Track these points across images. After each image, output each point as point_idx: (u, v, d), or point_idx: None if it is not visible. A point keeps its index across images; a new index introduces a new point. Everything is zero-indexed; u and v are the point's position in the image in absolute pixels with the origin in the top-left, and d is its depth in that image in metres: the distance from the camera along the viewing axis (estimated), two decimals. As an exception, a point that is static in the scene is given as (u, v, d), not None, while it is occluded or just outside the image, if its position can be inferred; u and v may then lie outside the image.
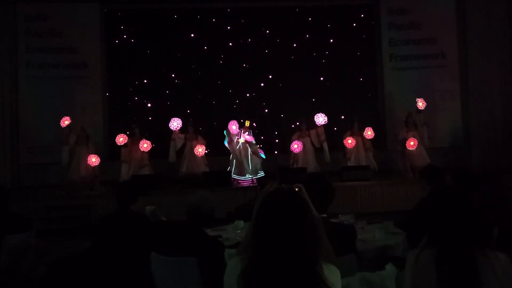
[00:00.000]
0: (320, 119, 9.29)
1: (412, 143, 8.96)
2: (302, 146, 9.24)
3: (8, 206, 4.13)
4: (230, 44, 11.15)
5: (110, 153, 10.27)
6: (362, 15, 11.33)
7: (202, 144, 9.26)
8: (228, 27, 11.20)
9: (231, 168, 9.26)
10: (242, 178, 9.15)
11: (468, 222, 1.97)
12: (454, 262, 1.86)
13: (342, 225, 3.20)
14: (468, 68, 10.55)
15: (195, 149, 9.17)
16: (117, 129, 10.08)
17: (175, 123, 9.21)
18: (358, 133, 9.42)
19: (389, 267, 2.38)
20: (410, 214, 3.76)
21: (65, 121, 8.97)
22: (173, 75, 11.10)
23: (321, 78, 11.16)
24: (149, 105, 11.01)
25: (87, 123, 9.56)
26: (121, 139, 9.21)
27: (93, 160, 8.78)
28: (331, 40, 11.20)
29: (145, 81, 11.00)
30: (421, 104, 9.41)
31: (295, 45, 11.18)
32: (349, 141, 9.28)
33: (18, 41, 10.31)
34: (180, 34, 11.10)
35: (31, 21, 10.37)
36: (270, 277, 1.42)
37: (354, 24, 11.30)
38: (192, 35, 11.14)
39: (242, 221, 4.42)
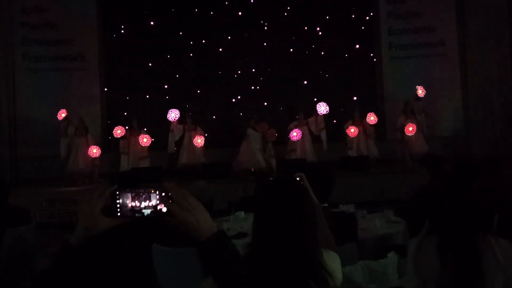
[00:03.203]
0: (322, 108, 9.24)
1: (410, 128, 8.95)
2: (301, 134, 9.21)
3: (8, 200, 4.13)
4: (229, 37, 11.07)
5: (107, 145, 10.25)
6: (361, 5, 11.25)
7: (201, 134, 9.25)
8: (226, 20, 11.11)
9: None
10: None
11: (469, 209, 1.97)
12: (456, 248, 1.87)
13: (343, 214, 3.20)
14: (467, 56, 10.51)
15: (194, 140, 9.16)
16: (115, 121, 10.05)
17: (173, 114, 9.19)
18: (359, 122, 9.39)
19: (391, 255, 2.39)
20: (410, 202, 3.77)
21: (62, 114, 8.95)
22: (171, 68, 11.03)
23: (320, 70, 11.10)
24: (147, 97, 10.97)
25: (84, 116, 9.53)
26: (118, 131, 9.20)
27: (94, 151, 8.77)
28: (330, 31, 11.12)
29: (143, 73, 10.93)
30: (420, 91, 9.37)
31: (293, 37, 11.10)
32: (352, 130, 9.24)
33: (14, 33, 10.23)
34: (178, 26, 11.01)
35: (27, 13, 10.27)
36: (270, 264, 1.43)
37: (353, 14, 11.22)
38: (190, 27, 11.05)
39: (243, 212, 4.44)
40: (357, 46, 11.13)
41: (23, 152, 10.09)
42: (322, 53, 11.14)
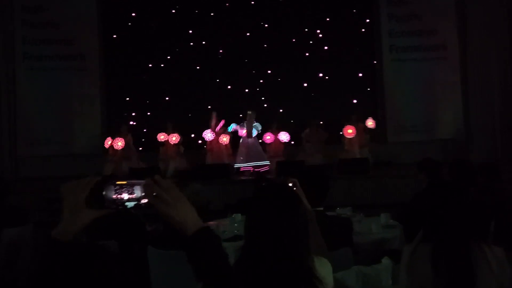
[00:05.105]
0: (283, 137, 9.46)
1: (350, 130, 9.04)
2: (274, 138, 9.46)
3: (8, 199, 4.12)
4: (229, 39, 11.07)
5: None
6: (361, 7, 11.23)
7: (227, 135, 9.48)
8: (227, 21, 11.11)
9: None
10: (242, 164, 9.24)
11: (464, 216, 1.96)
12: (449, 257, 1.86)
13: (338, 219, 3.20)
14: (468, 59, 10.49)
15: (220, 138, 9.42)
16: (115, 121, 10.05)
17: (209, 135, 9.43)
18: (355, 126, 9.37)
19: (385, 261, 2.38)
20: (407, 207, 3.76)
21: (108, 142, 9.15)
22: (171, 69, 11.04)
23: (320, 72, 11.08)
24: (147, 97, 10.98)
25: (84, 115, 9.55)
26: (162, 137, 9.36)
27: (174, 139, 9.14)
28: (331, 33, 11.11)
29: (142, 73, 10.95)
30: (371, 123, 9.32)
31: (294, 40, 11.09)
32: (349, 131, 9.25)
33: (15, 32, 10.22)
34: (178, 26, 11.02)
35: (27, 12, 10.28)
36: (261, 269, 1.43)
37: (353, 17, 11.21)
38: (191, 28, 11.06)
39: (240, 214, 4.43)
40: (358, 48, 11.11)
41: (23, 152, 10.10)
42: (322, 55, 11.12)
